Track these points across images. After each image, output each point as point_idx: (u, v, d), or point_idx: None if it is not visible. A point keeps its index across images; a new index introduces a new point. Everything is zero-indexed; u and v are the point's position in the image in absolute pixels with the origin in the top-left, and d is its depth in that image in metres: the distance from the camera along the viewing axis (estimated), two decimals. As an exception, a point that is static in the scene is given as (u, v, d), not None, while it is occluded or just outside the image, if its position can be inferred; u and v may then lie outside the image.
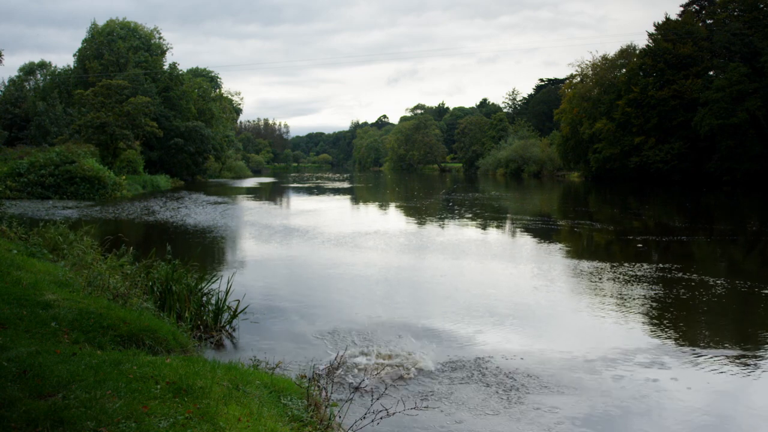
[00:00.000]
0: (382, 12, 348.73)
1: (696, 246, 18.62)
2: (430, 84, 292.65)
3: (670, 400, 6.74)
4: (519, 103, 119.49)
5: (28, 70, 68.08)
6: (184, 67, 62.08)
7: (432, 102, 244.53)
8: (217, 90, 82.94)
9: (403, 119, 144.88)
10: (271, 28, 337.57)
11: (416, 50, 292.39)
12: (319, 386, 5.54)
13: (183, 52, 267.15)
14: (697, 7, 57.54)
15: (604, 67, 61.55)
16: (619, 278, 13.00)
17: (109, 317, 6.81)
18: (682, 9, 57.73)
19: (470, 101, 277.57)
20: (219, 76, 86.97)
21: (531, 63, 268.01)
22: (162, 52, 63.16)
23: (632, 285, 12.31)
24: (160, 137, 48.74)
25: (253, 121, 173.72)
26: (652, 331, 9.32)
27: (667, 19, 54.20)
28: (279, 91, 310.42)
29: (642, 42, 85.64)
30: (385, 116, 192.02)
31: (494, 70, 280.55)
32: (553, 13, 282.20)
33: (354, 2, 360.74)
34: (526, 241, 20.01)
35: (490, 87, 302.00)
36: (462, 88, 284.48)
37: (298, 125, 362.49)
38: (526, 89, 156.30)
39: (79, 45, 65.05)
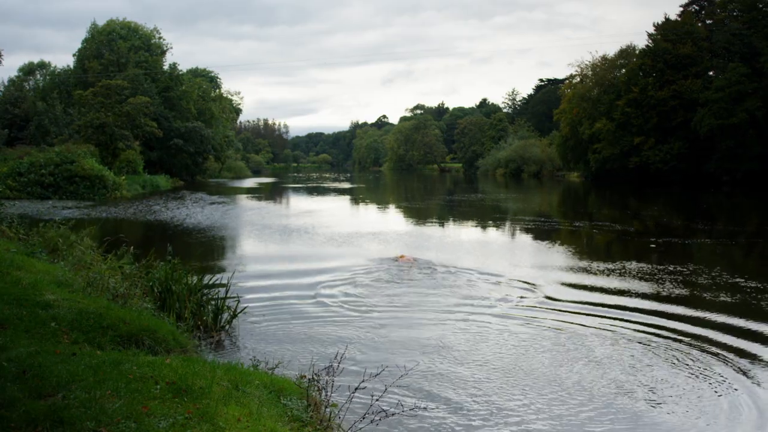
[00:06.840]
0: (377, 13, 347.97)
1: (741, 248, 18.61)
2: (425, 84, 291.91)
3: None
4: (519, 103, 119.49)
5: (28, 70, 67.98)
6: (180, 67, 61.63)
7: (428, 102, 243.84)
8: (217, 90, 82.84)
9: (403, 119, 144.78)
10: (266, 29, 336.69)
11: (411, 50, 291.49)
12: (318, 386, 5.54)
13: (179, 53, 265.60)
14: (696, 7, 57.58)
15: (604, 68, 61.47)
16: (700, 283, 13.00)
17: (109, 317, 6.81)
18: (681, 9, 57.76)
19: (465, 101, 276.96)
20: (219, 77, 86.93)
21: (526, 63, 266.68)
22: (162, 52, 63.08)
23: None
24: (160, 137, 48.69)
25: (253, 121, 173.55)
26: None
27: (667, 19, 54.20)
28: (277, 92, 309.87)
29: (639, 42, 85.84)
30: (384, 116, 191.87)
31: (489, 71, 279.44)
32: (548, 14, 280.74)
33: (348, 3, 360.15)
34: (557, 244, 19.98)
35: (485, 87, 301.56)
36: (457, 88, 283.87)
37: (298, 125, 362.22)
38: (522, 89, 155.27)
39: (75, 45, 65.18)
